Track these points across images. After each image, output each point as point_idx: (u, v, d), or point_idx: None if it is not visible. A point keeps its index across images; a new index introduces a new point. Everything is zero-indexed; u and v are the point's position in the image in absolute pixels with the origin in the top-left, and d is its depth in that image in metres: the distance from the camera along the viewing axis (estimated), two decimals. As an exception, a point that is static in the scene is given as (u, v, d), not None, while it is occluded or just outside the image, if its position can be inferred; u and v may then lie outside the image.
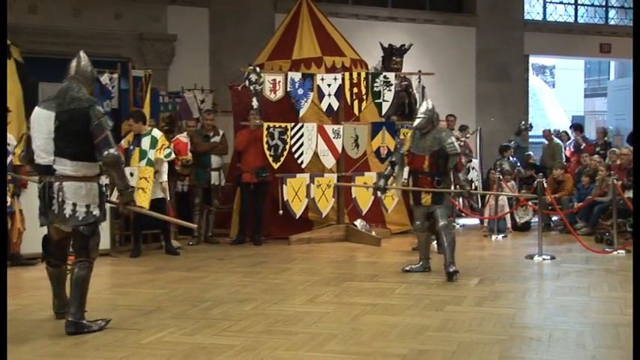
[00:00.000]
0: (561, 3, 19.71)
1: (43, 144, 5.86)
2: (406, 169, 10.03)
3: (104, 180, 6.25)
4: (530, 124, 17.65)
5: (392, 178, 8.85)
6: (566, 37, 19.21)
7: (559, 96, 32.54)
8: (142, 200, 9.61)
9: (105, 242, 9.87)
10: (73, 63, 6.13)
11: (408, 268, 8.64)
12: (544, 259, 9.62)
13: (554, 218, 12.81)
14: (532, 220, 12.69)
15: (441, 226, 8.31)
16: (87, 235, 5.95)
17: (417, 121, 8.49)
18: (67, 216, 5.84)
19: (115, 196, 7.09)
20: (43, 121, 5.86)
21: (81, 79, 6.09)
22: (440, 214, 8.32)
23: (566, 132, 17.35)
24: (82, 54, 6.25)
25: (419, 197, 8.47)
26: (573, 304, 7.06)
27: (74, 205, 5.83)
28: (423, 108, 8.58)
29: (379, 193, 9.64)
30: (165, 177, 10.07)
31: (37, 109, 5.98)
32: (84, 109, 5.81)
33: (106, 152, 5.80)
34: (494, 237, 11.75)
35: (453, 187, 8.67)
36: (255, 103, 11.05)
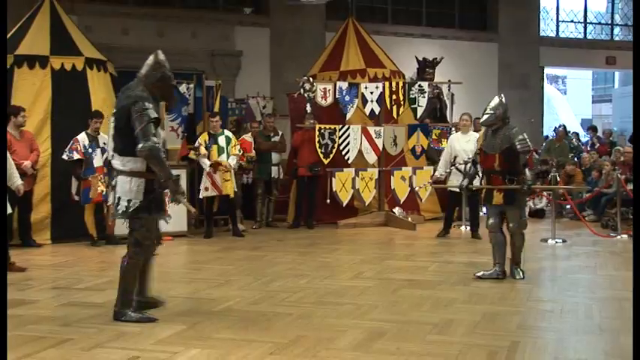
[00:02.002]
0: (572, 22, 19.35)
1: (108, 142, 5.54)
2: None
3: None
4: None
5: (477, 177, 7.30)
6: (576, 51, 18.87)
7: (570, 102, 31.96)
8: (229, 189, 9.90)
9: (182, 225, 10.03)
10: (148, 61, 5.52)
11: (480, 274, 6.90)
12: (557, 243, 9.46)
13: (566, 207, 12.58)
14: (546, 208, 12.47)
15: (511, 227, 6.90)
16: (131, 229, 5.34)
17: (483, 118, 6.96)
18: (116, 208, 5.32)
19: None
20: (110, 121, 5.47)
21: (143, 78, 5.43)
22: (511, 216, 6.89)
23: (577, 133, 17.06)
24: (158, 52, 5.57)
25: (490, 196, 6.99)
26: (582, 281, 6.95)
27: (119, 198, 5.29)
28: (492, 103, 6.94)
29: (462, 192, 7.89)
30: (236, 168, 10.29)
31: None
32: (128, 105, 5.22)
33: (140, 145, 5.08)
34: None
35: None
36: (308, 108, 11.08)
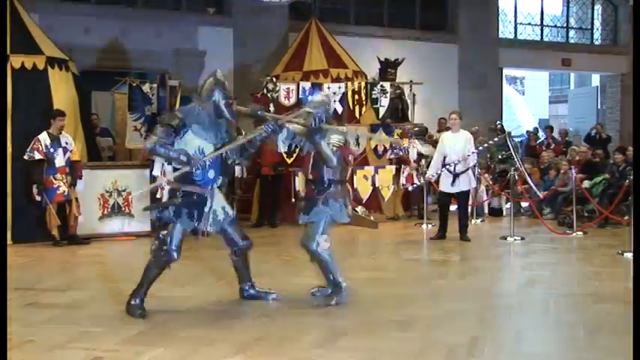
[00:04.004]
0: (529, 24, 19.65)
1: None
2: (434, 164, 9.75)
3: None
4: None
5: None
6: (533, 53, 19.15)
7: (528, 102, 32.40)
8: None
9: (146, 225, 9.89)
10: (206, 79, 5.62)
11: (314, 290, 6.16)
12: (515, 240, 9.56)
13: (524, 205, 12.74)
14: (505, 207, 12.61)
15: None
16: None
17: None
18: None
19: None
20: None
21: (198, 96, 5.59)
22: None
23: (535, 132, 17.33)
24: (217, 72, 5.68)
25: None
26: (539, 278, 7.04)
27: None
28: (316, 97, 6.39)
29: None
30: None
31: None
32: None
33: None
34: (473, 221, 11.63)
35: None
36: (272, 107, 11.04)
